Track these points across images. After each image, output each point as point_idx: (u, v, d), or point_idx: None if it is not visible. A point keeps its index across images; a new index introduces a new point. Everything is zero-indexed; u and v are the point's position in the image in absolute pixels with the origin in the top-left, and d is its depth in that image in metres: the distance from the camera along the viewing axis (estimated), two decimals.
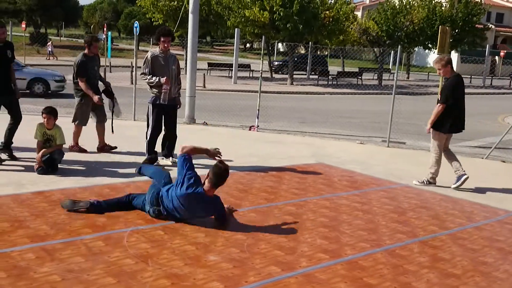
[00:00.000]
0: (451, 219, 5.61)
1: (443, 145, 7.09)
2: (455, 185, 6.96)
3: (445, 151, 7.12)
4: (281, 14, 24.63)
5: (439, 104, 6.85)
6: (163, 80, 6.87)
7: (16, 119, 6.96)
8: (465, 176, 6.90)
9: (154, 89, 7.03)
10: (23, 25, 35.25)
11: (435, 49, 24.78)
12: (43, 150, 6.42)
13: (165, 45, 6.94)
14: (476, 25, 33.28)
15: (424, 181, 7.14)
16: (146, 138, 7.19)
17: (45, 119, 6.50)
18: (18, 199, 5.29)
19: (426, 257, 4.43)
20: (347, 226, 5.09)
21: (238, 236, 4.64)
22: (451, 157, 7.11)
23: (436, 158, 7.07)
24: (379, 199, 6.21)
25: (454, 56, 39.85)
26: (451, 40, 11.12)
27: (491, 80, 37.03)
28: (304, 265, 4.07)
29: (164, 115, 7.15)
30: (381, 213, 5.65)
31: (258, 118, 11.48)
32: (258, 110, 11.57)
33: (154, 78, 6.92)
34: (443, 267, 4.24)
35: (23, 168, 6.56)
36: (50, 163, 6.44)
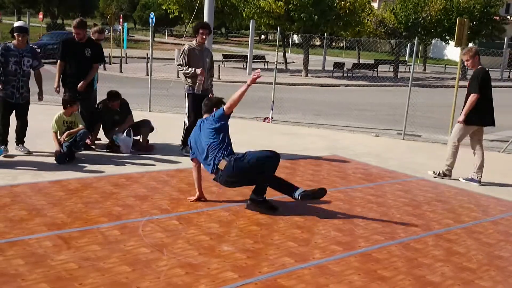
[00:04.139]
0: (467, 213, 5.57)
1: (463, 138, 7.01)
2: (464, 180, 6.93)
3: (476, 146, 6.97)
4: (296, 4, 24.49)
5: (472, 94, 6.75)
6: (198, 71, 7.07)
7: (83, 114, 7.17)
8: (478, 184, 6.83)
9: (189, 80, 7.23)
10: (41, 16, 35.61)
11: (452, 41, 24.43)
12: (68, 131, 6.57)
13: (203, 37, 7.17)
14: (494, 17, 32.76)
15: (440, 172, 7.11)
16: (184, 125, 7.41)
17: (69, 108, 6.64)
18: (36, 188, 5.37)
19: (441, 250, 4.41)
20: (361, 219, 5.09)
21: (252, 227, 4.66)
22: (479, 156, 6.94)
23: (453, 150, 7.03)
24: (393, 192, 6.18)
25: None
26: (468, 32, 10.94)
27: (509, 73, 36.47)
28: (317, 257, 4.08)
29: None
30: (396, 206, 5.62)
31: (272, 109, 11.47)
32: (273, 101, 11.56)
33: (190, 69, 7.12)
34: (458, 260, 4.22)
35: (40, 157, 6.64)
36: (69, 153, 6.54)
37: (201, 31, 7.12)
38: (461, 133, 6.97)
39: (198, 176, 5.31)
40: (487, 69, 7.13)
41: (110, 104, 7.50)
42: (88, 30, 7.50)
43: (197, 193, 5.32)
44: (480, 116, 6.85)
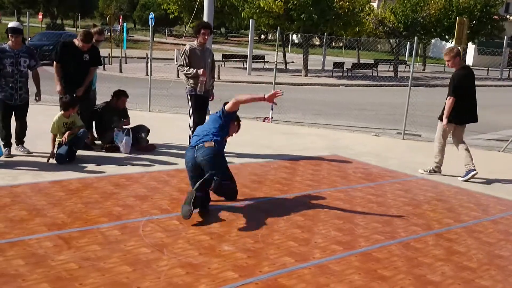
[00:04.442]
0: (467, 212, 5.57)
1: (447, 135, 7.21)
2: (463, 179, 6.96)
3: (460, 143, 7.11)
4: (296, 3, 24.49)
5: (448, 97, 6.95)
6: (200, 71, 7.00)
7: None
8: (474, 172, 6.89)
9: (190, 81, 7.14)
10: (40, 16, 35.63)
11: (452, 40, 24.41)
12: (69, 131, 6.58)
13: (205, 37, 7.08)
14: (494, 16, 32.75)
15: (429, 169, 7.23)
16: (190, 128, 7.27)
17: (70, 110, 6.65)
18: (36, 188, 5.37)
19: (441, 249, 4.42)
20: (361, 218, 5.09)
21: (252, 226, 4.66)
22: (463, 149, 7.07)
23: (439, 148, 7.20)
24: (393, 192, 6.19)
25: (471, 47, 39.28)
26: (468, 31, 10.96)
27: (509, 72, 36.50)
28: (318, 256, 4.08)
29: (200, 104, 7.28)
30: (396, 205, 5.63)
31: (272, 109, 11.47)
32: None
33: (191, 69, 7.03)
34: (458, 260, 4.22)
35: (40, 158, 6.64)
36: (69, 153, 6.57)
37: (202, 31, 7.03)
38: (444, 131, 7.14)
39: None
40: (470, 67, 7.36)
41: (118, 102, 7.57)
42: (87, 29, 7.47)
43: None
44: (458, 115, 7.00)
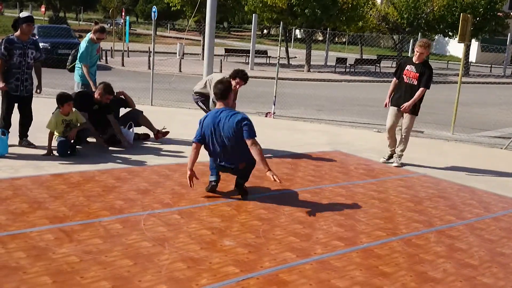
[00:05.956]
0: (469, 209, 5.56)
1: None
2: (396, 164, 7.37)
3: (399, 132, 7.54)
4: None
5: (423, 88, 7.11)
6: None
7: None
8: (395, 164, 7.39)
9: (202, 98, 7.47)
10: (43, 9, 35.62)
11: (456, 37, 24.29)
12: (74, 130, 6.59)
13: (237, 86, 6.95)
14: (498, 13, 32.62)
15: (396, 159, 7.46)
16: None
17: (66, 106, 6.58)
18: (38, 181, 5.37)
19: (442, 246, 4.41)
20: (363, 214, 5.08)
21: (253, 222, 4.66)
22: (405, 140, 7.54)
23: (408, 139, 7.53)
24: (395, 188, 6.17)
25: (475, 44, 39.11)
26: (472, 28, 10.89)
27: None
28: (319, 252, 4.07)
29: None
30: (398, 202, 5.62)
31: (274, 104, 11.45)
32: (275, 96, 11.53)
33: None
34: (459, 257, 4.21)
35: (42, 151, 6.63)
36: (71, 147, 6.57)
37: (237, 80, 6.91)
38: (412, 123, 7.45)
39: (194, 158, 5.19)
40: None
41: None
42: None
43: (189, 173, 5.16)
44: (419, 107, 7.38)
